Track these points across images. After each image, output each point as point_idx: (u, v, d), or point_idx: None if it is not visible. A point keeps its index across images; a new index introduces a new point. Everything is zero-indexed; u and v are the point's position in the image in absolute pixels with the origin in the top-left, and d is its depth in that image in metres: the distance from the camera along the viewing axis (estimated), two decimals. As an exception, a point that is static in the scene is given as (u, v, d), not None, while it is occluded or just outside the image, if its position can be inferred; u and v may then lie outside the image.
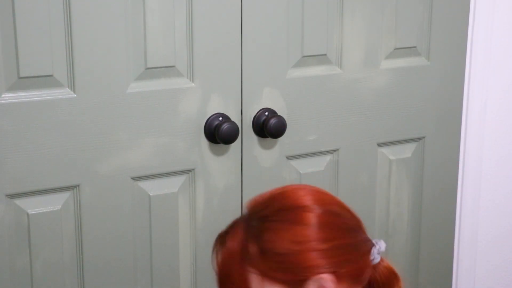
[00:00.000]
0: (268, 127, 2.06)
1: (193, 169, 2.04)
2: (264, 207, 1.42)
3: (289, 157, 2.18)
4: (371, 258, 1.42)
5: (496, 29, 2.43)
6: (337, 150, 2.25)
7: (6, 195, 1.85)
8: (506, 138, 2.55)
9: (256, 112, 2.10)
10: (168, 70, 1.96)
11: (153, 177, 2.00)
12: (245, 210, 1.46)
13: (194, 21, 1.97)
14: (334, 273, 1.37)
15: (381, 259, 1.45)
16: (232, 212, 2.12)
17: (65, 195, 1.92)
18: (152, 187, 2.01)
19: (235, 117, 2.06)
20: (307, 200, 1.41)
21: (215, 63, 2.01)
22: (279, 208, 1.41)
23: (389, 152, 2.34)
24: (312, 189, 1.46)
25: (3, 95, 1.80)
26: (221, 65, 2.02)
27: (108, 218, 1.97)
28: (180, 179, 2.04)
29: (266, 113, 2.09)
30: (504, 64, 2.48)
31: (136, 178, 1.98)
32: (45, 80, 1.83)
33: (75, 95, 1.87)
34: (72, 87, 1.87)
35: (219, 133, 2.00)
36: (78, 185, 1.92)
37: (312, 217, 1.39)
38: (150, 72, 1.94)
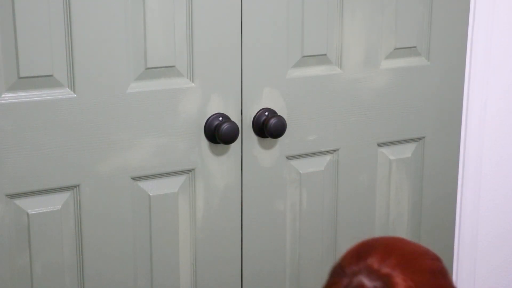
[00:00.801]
0: (268, 127, 2.06)
1: (193, 169, 2.04)
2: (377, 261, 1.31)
3: (289, 157, 2.18)
4: None
5: (496, 29, 2.43)
6: (337, 150, 2.25)
7: (6, 195, 1.85)
8: (506, 138, 2.55)
9: (256, 112, 2.10)
10: (168, 70, 1.96)
11: (153, 177, 2.00)
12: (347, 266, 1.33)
13: (194, 21, 1.97)
14: None
15: None
16: (232, 212, 2.13)
17: (65, 195, 1.92)
18: (152, 187, 2.01)
19: (235, 117, 2.06)
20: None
21: (215, 63, 2.01)
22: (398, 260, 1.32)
23: (389, 152, 2.34)
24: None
25: (3, 95, 1.80)
26: (221, 65, 2.02)
27: (108, 218, 1.97)
28: (180, 179, 2.04)
29: (266, 113, 2.09)
30: (504, 64, 2.48)
31: (136, 178, 1.98)
32: (45, 80, 1.83)
33: (75, 95, 1.87)
34: (72, 87, 1.87)
35: (219, 133, 2.00)
36: (78, 185, 1.92)
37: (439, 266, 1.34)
38: (150, 72, 1.94)
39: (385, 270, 1.27)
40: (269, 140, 2.14)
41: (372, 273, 1.27)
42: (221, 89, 2.03)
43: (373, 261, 1.29)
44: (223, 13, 2.00)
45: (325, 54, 2.17)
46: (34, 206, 1.89)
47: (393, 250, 1.31)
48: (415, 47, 2.30)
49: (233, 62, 2.03)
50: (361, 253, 1.32)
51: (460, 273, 2.57)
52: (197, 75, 2.00)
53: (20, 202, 1.87)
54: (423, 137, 2.38)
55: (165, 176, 2.02)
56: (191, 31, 1.97)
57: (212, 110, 2.03)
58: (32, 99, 1.83)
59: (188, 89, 2.00)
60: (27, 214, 1.88)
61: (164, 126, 1.98)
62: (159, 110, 1.97)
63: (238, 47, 2.03)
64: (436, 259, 1.34)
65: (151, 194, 2.01)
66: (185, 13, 1.95)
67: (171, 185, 2.03)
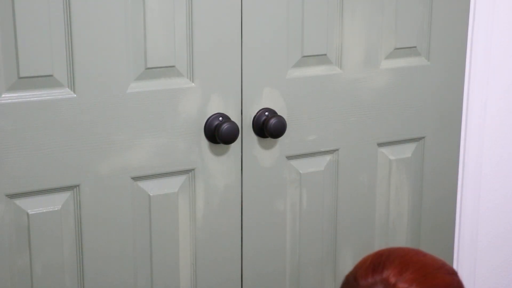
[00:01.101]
0: (268, 127, 2.06)
1: (193, 169, 2.04)
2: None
3: (289, 157, 2.18)
4: None
5: (496, 29, 2.43)
6: (337, 150, 2.25)
7: (6, 195, 1.85)
8: (506, 138, 2.54)
9: (256, 112, 2.09)
10: (168, 70, 1.96)
11: (153, 177, 2.00)
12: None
13: (194, 21, 1.97)
14: None
15: None
16: (232, 212, 2.13)
17: (65, 195, 1.92)
18: (152, 187, 2.01)
19: (235, 117, 2.06)
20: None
21: (215, 63, 2.01)
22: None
23: (389, 152, 2.34)
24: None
25: (3, 95, 1.80)
26: (221, 65, 2.02)
27: (108, 218, 1.97)
28: (180, 179, 2.04)
29: (266, 113, 2.09)
30: (504, 64, 2.47)
31: (136, 178, 1.98)
32: (45, 80, 1.83)
33: (75, 95, 1.87)
34: (72, 87, 1.87)
35: (219, 133, 2.00)
36: (78, 185, 1.92)
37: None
38: (150, 72, 1.94)
39: (402, 285, 1.25)
40: (269, 140, 2.13)
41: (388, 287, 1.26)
42: (221, 89, 2.03)
43: (390, 275, 1.27)
44: (223, 13, 2.00)
45: (325, 54, 2.17)
46: (34, 206, 1.89)
47: (410, 263, 1.29)
48: (415, 47, 2.30)
49: (233, 62, 2.03)
50: (377, 265, 1.30)
51: (460, 273, 2.57)
52: (197, 75, 2.00)
53: (20, 202, 1.87)
54: (423, 137, 2.38)
55: (165, 176, 2.02)
56: (191, 31, 1.97)
57: (212, 110, 2.03)
58: (32, 99, 1.83)
59: (188, 89, 2.00)
60: (27, 214, 1.88)
61: (164, 126, 1.98)
62: (159, 110, 1.97)
63: (238, 47, 2.03)
64: (453, 273, 1.32)
65: (151, 194, 2.01)
66: (185, 13, 1.95)
67: (171, 185, 2.03)
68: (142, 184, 1.99)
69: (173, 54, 1.96)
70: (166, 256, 2.06)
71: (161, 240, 2.04)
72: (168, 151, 2.00)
